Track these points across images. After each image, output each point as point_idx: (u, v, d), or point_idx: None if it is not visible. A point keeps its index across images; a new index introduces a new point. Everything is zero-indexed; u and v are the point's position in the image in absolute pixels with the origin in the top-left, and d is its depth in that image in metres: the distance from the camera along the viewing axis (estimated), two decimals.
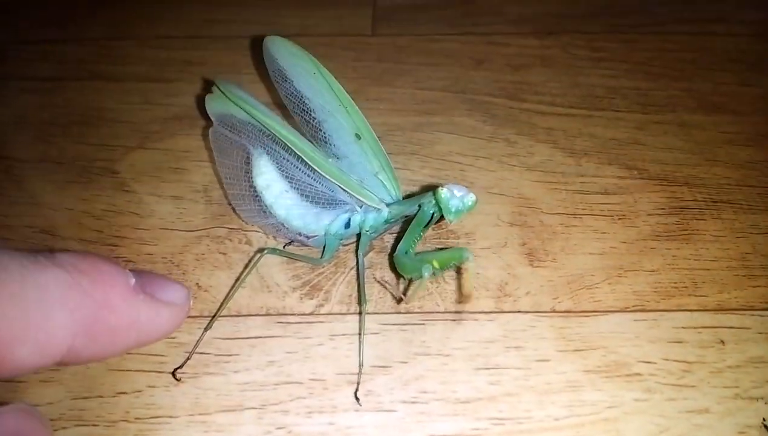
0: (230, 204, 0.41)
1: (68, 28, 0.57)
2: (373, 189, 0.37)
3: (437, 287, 0.37)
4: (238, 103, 0.37)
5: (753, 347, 0.34)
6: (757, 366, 0.33)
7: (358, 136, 0.39)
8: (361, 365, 0.34)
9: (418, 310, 0.36)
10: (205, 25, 0.57)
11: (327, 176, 0.36)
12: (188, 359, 0.35)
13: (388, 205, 0.37)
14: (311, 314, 0.36)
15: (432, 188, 0.35)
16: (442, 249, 0.35)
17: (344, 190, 0.36)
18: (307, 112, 0.40)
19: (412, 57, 0.54)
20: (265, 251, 0.36)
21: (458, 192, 0.34)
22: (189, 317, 0.34)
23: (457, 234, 0.40)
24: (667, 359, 0.34)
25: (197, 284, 0.37)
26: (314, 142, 0.39)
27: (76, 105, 0.49)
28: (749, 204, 0.41)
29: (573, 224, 0.40)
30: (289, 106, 0.41)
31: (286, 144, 0.36)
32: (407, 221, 0.37)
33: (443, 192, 0.34)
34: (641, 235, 0.39)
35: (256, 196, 0.38)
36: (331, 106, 0.39)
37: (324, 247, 0.38)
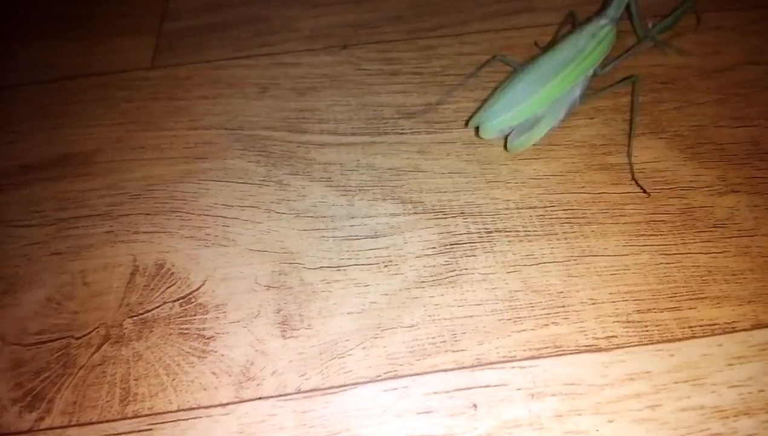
0: None
1: None
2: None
3: (173, 381, 0.33)
4: (503, 122, 0.43)
5: (508, 407, 0.31)
6: (511, 432, 0.30)
7: (555, 48, 0.46)
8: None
9: (147, 412, 0.32)
10: None
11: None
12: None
13: (611, 19, 0.46)
14: (29, 431, 0.31)
15: None
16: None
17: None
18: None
19: (192, 90, 0.49)
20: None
21: None
22: None
23: (206, 308, 0.35)
24: None
25: None
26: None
27: None
28: (526, 230, 0.38)
29: (336, 279, 0.36)
30: None
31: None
32: None
33: None
34: (405, 283, 0.36)
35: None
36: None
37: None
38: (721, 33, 0.50)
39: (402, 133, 0.45)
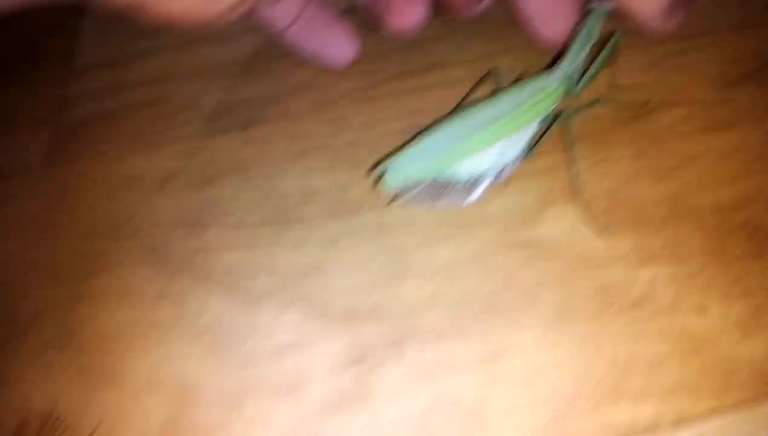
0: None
1: None
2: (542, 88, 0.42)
3: None
4: (415, 173, 0.40)
5: None
6: None
7: (489, 100, 0.42)
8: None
9: None
10: None
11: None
12: None
13: (562, 78, 0.42)
14: None
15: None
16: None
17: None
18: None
19: (88, 190, 0.46)
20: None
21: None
22: None
23: None
24: None
25: None
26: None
27: None
28: (440, 329, 0.36)
29: (235, 417, 0.34)
30: None
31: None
32: None
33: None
34: (311, 410, 0.33)
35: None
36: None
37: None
38: (634, 73, 0.48)
39: (309, 223, 0.42)
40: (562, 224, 0.40)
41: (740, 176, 0.41)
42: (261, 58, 0.53)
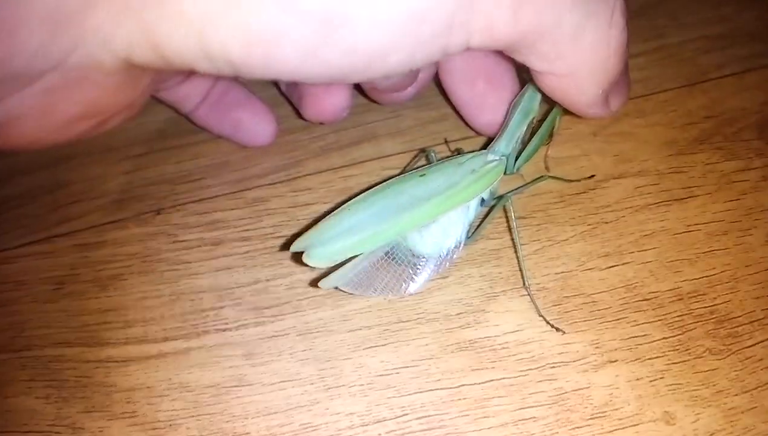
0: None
1: None
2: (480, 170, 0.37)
3: None
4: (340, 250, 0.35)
5: None
6: None
7: (422, 175, 0.37)
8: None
9: None
10: None
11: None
12: None
13: (501, 156, 0.38)
14: None
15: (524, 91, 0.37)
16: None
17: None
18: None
19: None
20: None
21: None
22: None
23: None
24: None
25: None
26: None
27: None
28: None
29: None
30: None
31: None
32: None
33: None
34: None
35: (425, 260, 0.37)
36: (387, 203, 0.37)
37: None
38: (578, 142, 0.44)
39: (225, 330, 0.36)
40: (510, 319, 0.36)
41: (700, 256, 0.37)
42: (172, 133, 0.48)
